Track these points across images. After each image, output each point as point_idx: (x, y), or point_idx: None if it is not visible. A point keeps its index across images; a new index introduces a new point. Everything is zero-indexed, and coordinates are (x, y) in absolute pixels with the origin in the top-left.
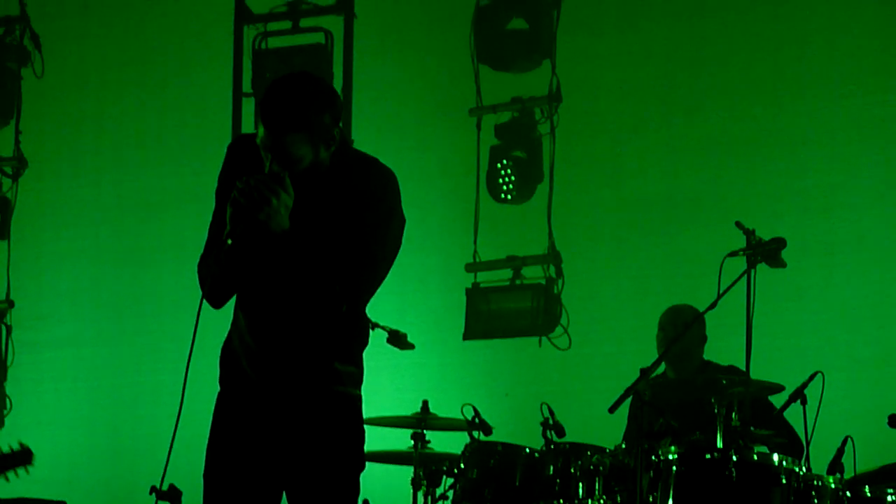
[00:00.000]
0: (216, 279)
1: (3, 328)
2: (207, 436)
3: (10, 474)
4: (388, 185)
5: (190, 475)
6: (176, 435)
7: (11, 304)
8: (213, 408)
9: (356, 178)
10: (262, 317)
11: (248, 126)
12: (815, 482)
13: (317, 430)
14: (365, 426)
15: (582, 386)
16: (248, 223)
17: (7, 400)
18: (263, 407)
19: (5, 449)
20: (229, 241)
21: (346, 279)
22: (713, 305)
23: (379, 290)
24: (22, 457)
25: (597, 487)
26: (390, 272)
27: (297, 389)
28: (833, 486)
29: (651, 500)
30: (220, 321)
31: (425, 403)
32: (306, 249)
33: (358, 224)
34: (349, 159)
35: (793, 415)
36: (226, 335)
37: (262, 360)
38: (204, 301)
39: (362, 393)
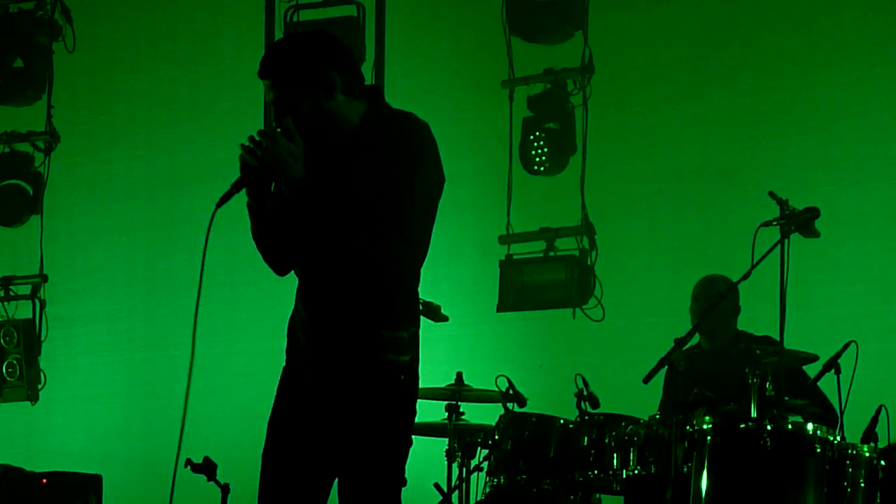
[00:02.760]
0: (259, 242)
1: (37, 303)
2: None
3: None
4: (415, 135)
5: (225, 448)
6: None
7: (45, 278)
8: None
9: (384, 133)
10: (312, 285)
11: None
12: (850, 451)
13: (363, 399)
14: None
15: (616, 357)
16: (252, 175)
17: (42, 375)
18: (315, 377)
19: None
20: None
21: (372, 227)
22: (747, 276)
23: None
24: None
25: (631, 458)
26: None
27: (345, 359)
28: (867, 455)
29: (686, 470)
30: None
31: (459, 375)
32: (326, 197)
33: (383, 174)
34: (381, 117)
35: (827, 384)
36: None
37: (313, 330)
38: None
39: None
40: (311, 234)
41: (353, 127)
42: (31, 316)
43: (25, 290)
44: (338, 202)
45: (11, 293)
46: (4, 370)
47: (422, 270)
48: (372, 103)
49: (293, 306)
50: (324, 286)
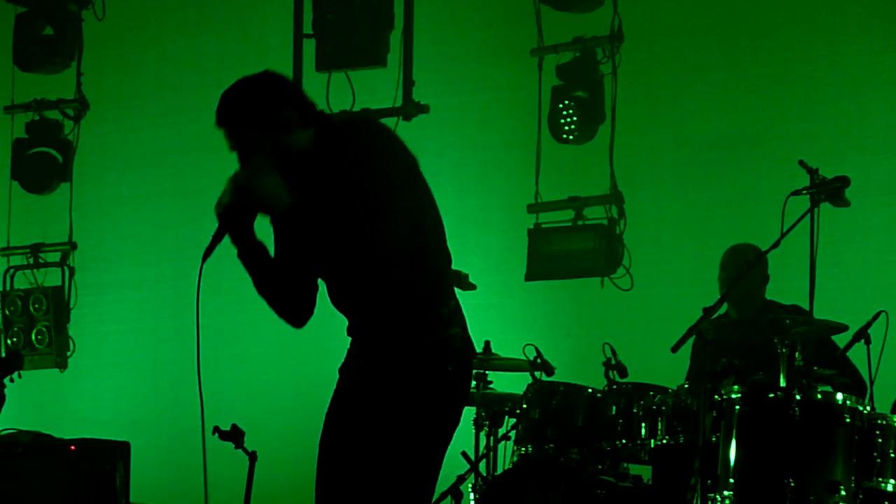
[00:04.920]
0: (263, 294)
1: (66, 270)
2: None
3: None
4: (361, 134)
5: (253, 416)
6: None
7: (74, 246)
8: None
9: (338, 146)
10: (341, 298)
11: (308, 67)
12: (879, 421)
13: (403, 386)
14: None
15: (644, 326)
16: (233, 215)
17: (70, 342)
18: (362, 375)
19: None
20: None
21: (364, 229)
22: (776, 245)
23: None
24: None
25: (659, 427)
26: (451, 214)
27: (388, 350)
28: None
29: (714, 439)
30: None
31: (487, 344)
32: (314, 230)
33: (350, 183)
34: (331, 134)
35: (856, 354)
36: None
37: (357, 335)
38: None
39: None
40: (311, 263)
41: (310, 153)
42: (60, 283)
43: (55, 257)
44: (327, 228)
45: (41, 260)
46: (34, 337)
47: (450, 239)
48: (320, 126)
49: None
50: (349, 297)
